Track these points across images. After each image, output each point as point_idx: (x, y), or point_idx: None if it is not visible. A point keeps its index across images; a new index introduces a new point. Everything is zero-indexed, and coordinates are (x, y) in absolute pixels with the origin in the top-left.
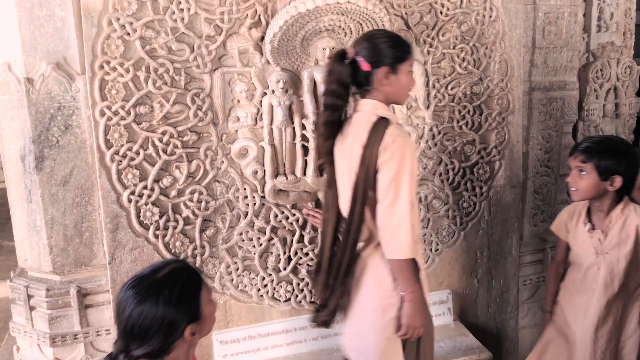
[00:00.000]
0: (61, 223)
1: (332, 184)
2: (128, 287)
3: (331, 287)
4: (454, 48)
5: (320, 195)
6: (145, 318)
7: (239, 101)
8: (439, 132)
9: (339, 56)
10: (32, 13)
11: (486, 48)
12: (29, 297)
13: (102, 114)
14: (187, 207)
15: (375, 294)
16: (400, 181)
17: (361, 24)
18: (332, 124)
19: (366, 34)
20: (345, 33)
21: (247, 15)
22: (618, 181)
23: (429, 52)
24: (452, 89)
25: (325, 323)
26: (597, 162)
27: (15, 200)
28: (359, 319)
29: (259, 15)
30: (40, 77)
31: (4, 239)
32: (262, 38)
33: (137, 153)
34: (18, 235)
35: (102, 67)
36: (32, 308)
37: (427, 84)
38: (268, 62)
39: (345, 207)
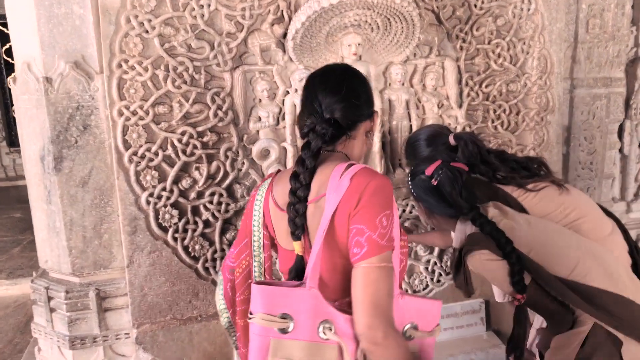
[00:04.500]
0: (80, 225)
1: None
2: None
3: None
4: (488, 43)
5: None
6: (355, 84)
7: (260, 100)
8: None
9: None
10: (51, 11)
11: (524, 43)
12: (49, 298)
13: (120, 113)
14: (207, 209)
15: None
16: None
17: (389, 19)
18: None
19: None
20: (372, 28)
21: (269, 11)
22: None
23: (462, 48)
24: (486, 86)
25: None
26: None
27: (36, 200)
28: None
29: (282, 10)
30: (58, 76)
31: None
32: (285, 35)
33: (156, 154)
34: (38, 236)
35: (120, 65)
36: (52, 310)
37: (460, 82)
38: (291, 59)
39: None
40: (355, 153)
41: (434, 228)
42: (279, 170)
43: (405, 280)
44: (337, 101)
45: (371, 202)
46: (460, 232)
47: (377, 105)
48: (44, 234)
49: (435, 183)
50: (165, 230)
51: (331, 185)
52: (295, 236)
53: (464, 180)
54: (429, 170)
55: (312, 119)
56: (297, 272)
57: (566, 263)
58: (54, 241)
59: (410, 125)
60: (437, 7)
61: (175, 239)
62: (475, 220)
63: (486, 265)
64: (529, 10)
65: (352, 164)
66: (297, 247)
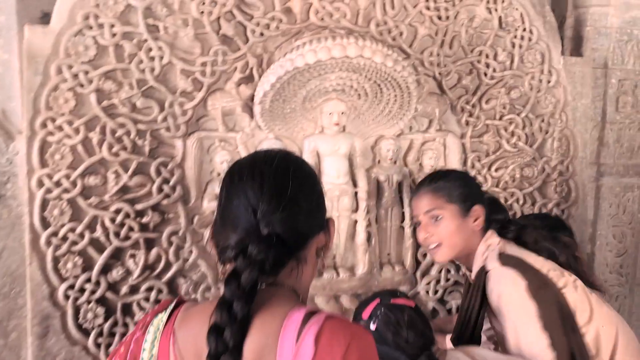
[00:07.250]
0: None
1: None
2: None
3: None
4: (500, 119)
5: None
6: (303, 179)
7: (219, 174)
8: None
9: None
10: None
11: (542, 121)
12: None
13: (40, 184)
14: (141, 308)
15: None
16: None
17: (380, 85)
18: None
19: None
20: (360, 95)
21: (236, 68)
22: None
23: (467, 123)
24: (496, 170)
25: None
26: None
27: None
28: None
29: (251, 68)
30: None
31: None
32: (254, 97)
33: (82, 236)
34: None
35: (44, 125)
36: None
37: (465, 163)
38: (259, 126)
39: None
40: (305, 284)
41: None
42: (181, 300)
43: None
44: (279, 208)
45: None
46: None
47: (363, 187)
48: None
49: (374, 328)
50: (86, 333)
51: (283, 354)
52: None
53: (408, 320)
54: (365, 314)
55: (240, 235)
56: None
57: None
58: None
59: (403, 213)
60: (440, 74)
61: (98, 345)
62: None
63: None
64: (549, 82)
65: (312, 313)
66: None
